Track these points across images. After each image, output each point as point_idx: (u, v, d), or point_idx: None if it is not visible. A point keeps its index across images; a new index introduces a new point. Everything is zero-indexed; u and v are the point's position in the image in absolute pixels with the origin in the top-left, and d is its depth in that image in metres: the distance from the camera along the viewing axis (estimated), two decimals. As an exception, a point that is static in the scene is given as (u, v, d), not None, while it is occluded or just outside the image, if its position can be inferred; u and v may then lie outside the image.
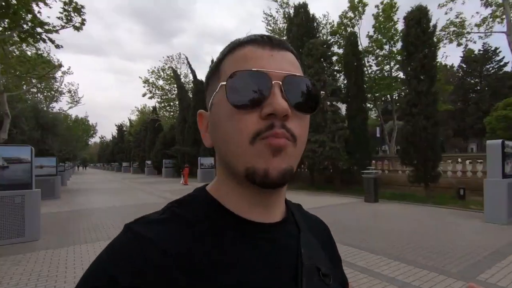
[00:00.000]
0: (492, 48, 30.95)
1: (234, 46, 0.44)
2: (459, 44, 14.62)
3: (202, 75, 24.38)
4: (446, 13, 14.54)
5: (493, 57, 31.19)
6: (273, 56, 0.41)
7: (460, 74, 35.23)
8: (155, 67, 41.30)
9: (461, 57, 32.65)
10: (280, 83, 0.39)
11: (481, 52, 31.09)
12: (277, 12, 19.71)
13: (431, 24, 9.63)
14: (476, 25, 14.06)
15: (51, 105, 26.32)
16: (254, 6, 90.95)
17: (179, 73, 32.58)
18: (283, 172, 0.39)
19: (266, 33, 0.46)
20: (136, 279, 0.35)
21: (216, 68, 0.45)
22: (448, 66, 31.91)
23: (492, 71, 31.28)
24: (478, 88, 32.51)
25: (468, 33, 14.15)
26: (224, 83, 0.40)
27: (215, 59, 0.47)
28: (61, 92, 26.95)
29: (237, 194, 0.44)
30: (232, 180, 0.44)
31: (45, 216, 6.92)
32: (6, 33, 9.33)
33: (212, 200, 0.46)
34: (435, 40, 10.58)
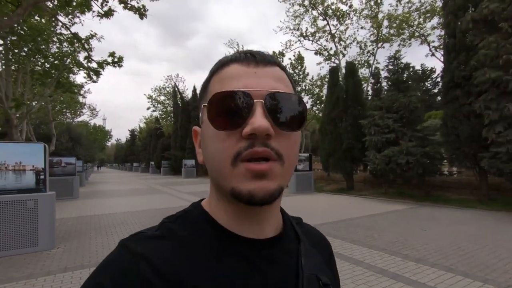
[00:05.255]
0: (429, 68, 36.59)
1: (220, 66, 0.44)
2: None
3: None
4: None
5: (431, 75, 36.71)
6: (257, 74, 0.41)
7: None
8: (157, 86, 49.13)
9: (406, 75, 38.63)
10: (262, 101, 0.38)
11: (420, 71, 36.74)
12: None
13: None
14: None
15: (75, 119, 34.46)
16: (266, 7, 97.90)
17: (176, 90, 40.18)
18: (271, 193, 0.38)
19: (253, 49, 0.45)
20: None
21: (205, 87, 0.46)
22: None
23: (429, 87, 36.82)
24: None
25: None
26: (206, 104, 0.40)
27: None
28: (83, 105, 35.05)
29: (227, 209, 0.44)
30: (221, 196, 0.44)
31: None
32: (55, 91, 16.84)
33: (206, 215, 0.45)
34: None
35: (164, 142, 37.11)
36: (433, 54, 14.33)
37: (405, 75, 10.69)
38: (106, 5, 7.69)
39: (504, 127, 6.90)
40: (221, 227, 0.44)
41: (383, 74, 11.78)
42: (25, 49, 11.01)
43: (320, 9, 17.58)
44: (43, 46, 12.02)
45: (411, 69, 10.53)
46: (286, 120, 0.39)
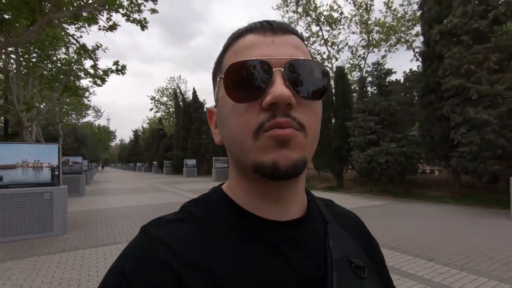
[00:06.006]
0: (426, 70, 37.28)
1: (234, 37, 0.42)
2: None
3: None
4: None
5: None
6: (275, 42, 0.39)
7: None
8: (160, 87, 50.21)
9: (403, 76, 39.37)
10: (282, 70, 0.36)
11: (417, 72, 37.53)
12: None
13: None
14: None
15: (81, 120, 35.58)
16: (266, 7, 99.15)
17: (177, 92, 41.18)
18: (295, 163, 0.36)
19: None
20: (146, 277, 0.36)
21: (219, 62, 0.44)
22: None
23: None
24: (414, 101, 38.88)
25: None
26: (222, 76, 0.38)
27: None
28: (88, 107, 36.20)
29: (249, 190, 0.42)
30: (242, 176, 0.42)
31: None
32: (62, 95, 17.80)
33: (225, 198, 0.44)
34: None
35: (167, 143, 38.04)
36: (417, 59, 15.05)
37: (388, 80, 11.44)
38: (110, 20, 8.54)
39: (467, 129, 7.64)
40: (241, 209, 0.42)
41: (369, 79, 12.55)
42: (35, 55, 11.94)
43: (313, 15, 18.39)
44: (51, 52, 12.94)
45: (396, 73, 11.27)
46: (307, 89, 0.37)
